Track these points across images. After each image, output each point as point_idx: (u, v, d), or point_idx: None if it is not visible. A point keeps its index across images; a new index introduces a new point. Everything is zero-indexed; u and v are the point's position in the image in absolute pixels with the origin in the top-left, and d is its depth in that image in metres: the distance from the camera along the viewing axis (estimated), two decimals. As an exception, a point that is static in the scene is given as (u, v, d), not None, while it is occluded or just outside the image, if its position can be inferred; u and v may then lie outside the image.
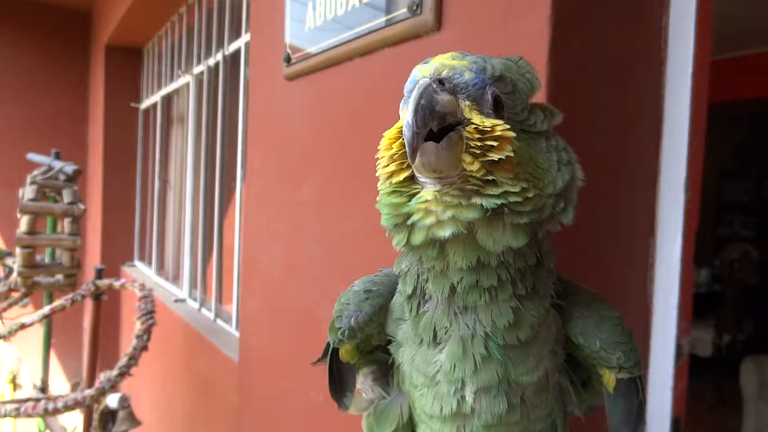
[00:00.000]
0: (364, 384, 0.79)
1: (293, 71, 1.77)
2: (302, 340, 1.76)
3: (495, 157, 0.54)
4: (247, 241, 2.21)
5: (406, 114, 0.53)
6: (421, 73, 0.57)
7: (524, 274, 0.60)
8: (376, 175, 0.61)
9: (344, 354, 0.76)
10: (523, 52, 1.01)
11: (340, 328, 0.71)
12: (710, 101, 1.32)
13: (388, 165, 0.58)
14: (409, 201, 0.56)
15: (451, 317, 0.61)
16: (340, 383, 0.80)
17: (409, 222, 0.57)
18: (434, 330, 0.62)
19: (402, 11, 1.28)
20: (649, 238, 1.19)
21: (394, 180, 0.58)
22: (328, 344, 0.77)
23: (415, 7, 1.23)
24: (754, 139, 7.26)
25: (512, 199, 0.54)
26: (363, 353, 0.78)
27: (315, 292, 1.69)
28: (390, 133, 0.59)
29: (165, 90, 4.44)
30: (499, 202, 0.54)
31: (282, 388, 1.87)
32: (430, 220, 0.55)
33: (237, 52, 3.06)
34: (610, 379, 0.65)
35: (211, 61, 3.42)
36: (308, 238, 1.73)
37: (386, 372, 0.77)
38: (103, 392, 2.16)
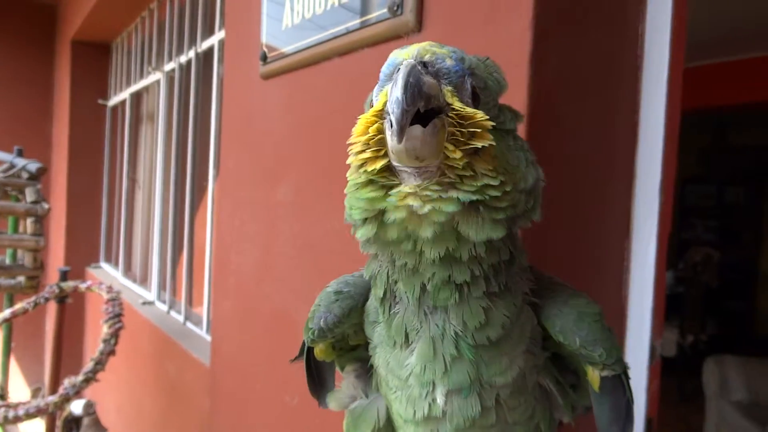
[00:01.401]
0: (346, 380, 0.78)
1: (269, 70, 1.74)
2: (276, 343, 1.73)
3: (478, 144, 0.53)
4: (219, 241, 2.17)
5: (393, 91, 0.50)
6: (402, 56, 0.56)
7: (498, 270, 0.58)
8: (347, 162, 0.57)
9: (319, 353, 0.76)
10: (505, 54, 1.01)
11: (311, 329, 0.71)
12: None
13: (362, 151, 0.55)
14: (386, 195, 0.54)
15: (421, 317, 0.59)
16: (319, 381, 0.80)
17: (386, 220, 0.54)
18: (405, 331, 0.61)
19: (382, 11, 1.27)
20: (624, 241, 1.21)
21: (370, 168, 0.54)
22: (304, 342, 0.77)
23: (395, 8, 1.22)
24: (717, 145, 7.51)
25: (491, 193, 0.53)
26: (343, 351, 0.78)
27: (290, 294, 1.67)
28: (366, 117, 0.56)
29: (134, 87, 4.34)
30: (476, 197, 0.52)
31: (255, 393, 1.83)
32: (406, 216, 0.53)
33: (210, 50, 3.01)
34: (594, 376, 0.64)
35: (183, 59, 3.35)
36: (283, 239, 1.71)
37: (369, 370, 0.76)
38: (67, 399, 2.09)
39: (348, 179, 0.58)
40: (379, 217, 0.55)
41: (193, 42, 3.22)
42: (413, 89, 0.50)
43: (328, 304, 0.70)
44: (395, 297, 0.61)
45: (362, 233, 0.56)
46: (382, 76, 0.58)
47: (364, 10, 1.33)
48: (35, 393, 5.06)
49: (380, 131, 0.54)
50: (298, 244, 1.63)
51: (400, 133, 0.50)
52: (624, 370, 0.64)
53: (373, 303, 0.67)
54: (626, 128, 1.22)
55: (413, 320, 0.60)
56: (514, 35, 1.00)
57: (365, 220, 0.56)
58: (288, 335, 1.66)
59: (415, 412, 0.63)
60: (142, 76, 4.18)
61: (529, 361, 0.63)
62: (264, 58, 1.76)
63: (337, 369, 0.82)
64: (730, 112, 6.62)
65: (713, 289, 6.25)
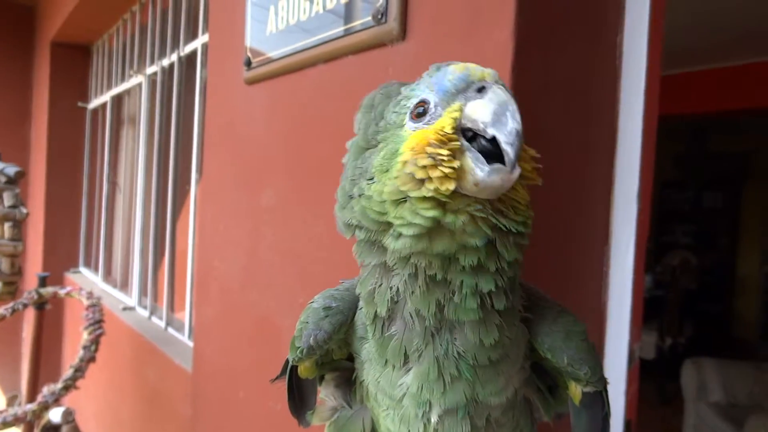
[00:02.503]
0: (326, 390, 0.76)
1: (253, 75, 1.74)
2: (260, 349, 1.72)
3: (537, 182, 0.56)
4: (202, 247, 2.15)
5: (509, 123, 0.50)
6: (478, 74, 0.55)
7: (513, 287, 0.59)
8: (408, 172, 0.53)
9: (303, 371, 0.73)
10: (487, 63, 1.03)
11: (299, 347, 0.68)
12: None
13: (432, 166, 0.52)
14: (444, 211, 0.53)
15: (428, 339, 0.58)
16: (300, 400, 0.77)
17: (443, 227, 0.53)
18: (405, 353, 0.59)
19: (366, 19, 1.28)
20: (603, 246, 1.23)
21: (443, 188, 0.52)
22: (287, 361, 0.74)
23: (379, 16, 1.23)
24: (694, 151, 7.67)
25: (527, 230, 0.56)
26: (325, 364, 0.76)
27: (273, 300, 1.66)
28: (442, 132, 0.53)
29: (115, 90, 4.29)
30: (522, 229, 0.55)
31: (238, 399, 1.82)
32: (460, 230, 0.53)
33: (193, 54, 2.99)
34: (576, 391, 0.65)
35: (166, 62, 3.33)
36: (267, 245, 1.70)
37: (349, 378, 0.74)
38: (46, 407, 2.05)
39: (396, 181, 0.55)
40: (427, 233, 0.54)
41: (175, 45, 3.20)
42: (520, 123, 0.51)
43: (317, 320, 0.67)
44: (392, 317, 0.59)
45: (408, 244, 0.54)
46: (449, 86, 0.56)
47: (349, 17, 1.34)
48: (11, 401, 4.96)
49: (454, 151, 0.52)
50: (282, 250, 1.63)
51: (513, 168, 0.50)
52: (604, 385, 0.65)
53: (360, 318, 0.66)
54: (605, 136, 1.24)
55: (415, 341, 0.58)
56: (496, 44, 1.02)
57: (418, 228, 0.54)
58: (271, 341, 1.65)
59: (409, 431, 0.62)
60: (123, 79, 4.13)
61: (521, 378, 0.64)
62: (248, 63, 1.76)
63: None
64: (707, 119, 6.76)
65: (691, 292, 6.37)
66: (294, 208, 1.59)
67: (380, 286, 0.59)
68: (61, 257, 4.83)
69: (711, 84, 5.42)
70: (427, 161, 0.52)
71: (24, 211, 2.69)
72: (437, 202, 0.53)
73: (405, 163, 0.54)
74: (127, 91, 4.16)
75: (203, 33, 2.81)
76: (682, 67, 5.43)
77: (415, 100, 0.57)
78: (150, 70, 3.55)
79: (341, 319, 0.67)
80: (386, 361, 0.61)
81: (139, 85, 3.74)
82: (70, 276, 4.71)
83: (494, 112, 0.51)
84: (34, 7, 5.33)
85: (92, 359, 2.24)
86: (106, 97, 4.49)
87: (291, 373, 0.74)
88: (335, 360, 0.75)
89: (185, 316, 2.84)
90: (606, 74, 1.24)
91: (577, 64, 1.17)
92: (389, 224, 0.56)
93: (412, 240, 0.54)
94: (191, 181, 2.84)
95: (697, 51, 5.02)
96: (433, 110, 0.55)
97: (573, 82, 1.16)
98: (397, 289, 0.57)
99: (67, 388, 2.12)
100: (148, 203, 3.51)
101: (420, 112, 0.56)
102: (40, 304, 2.76)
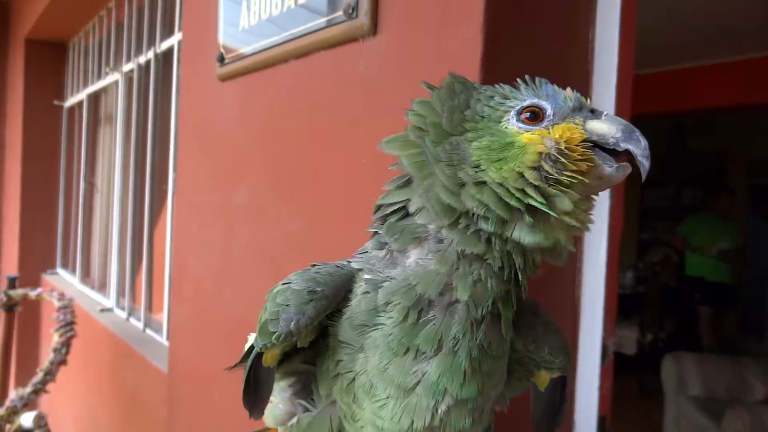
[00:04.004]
0: (281, 396, 0.73)
1: (227, 72, 1.71)
2: (235, 349, 1.69)
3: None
4: (177, 246, 2.12)
5: (642, 141, 0.58)
6: (582, 99, 0.62)
7: None
8: (561, 161, 0.57)
9: (269, 358, 0.69)
10: (457, 57, 1.02)
11: (275, 332, 0.63)
12: (633, 113, 1.38)
13: (574, 160, 0.57)
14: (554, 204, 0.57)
15: (466, 328, 0.58)
16: (255, 390, 0.72)
17: (568, 224, 0.58)
18: (439, 340, 0.58)
19: (338, 14, 1.26)
20: (576, 242, 1.23)
21: (587, 180, 0.57)
22: (251, 347, 0.70)
23: (350, 11, 1.22)
24: (674, 149, 7.77)
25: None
26: (287, 354, 0.71)
27: (248, 298, 1.64)
28: (578, 135, 0.58)
29: (92, 88, 4.21)
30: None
31: (213, 400, 1.79)
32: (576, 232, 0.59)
33: (170, 51, 2.94)
34: (545, 379, 0.68)
35: (142, 59, 3.28)
36: (241, 243, 1.68)
37: (306, 383, 0.71)
38: (14, 411, 2.00)
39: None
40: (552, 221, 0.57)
41: (152, 42, 3.15)
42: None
43: (300, 304, 0.62)
44: (429, 303, 0.59)
45: (534, 238, 0.57)
46: (567, 102, 0.60)
47: (320, 12, 1.32)
48: (-13, 406, 4.85)
49: (587, 149, 0.58)
50: (256, 248, 1.60)
51: (646, 175, 0.59)
52: (569, 371, 0.69)
53: (363, 304, 0.62)
54: (578, 132, 1.24)
55: (454, 329, 0.58)
56: (466, 40, 1.01)
57: (531, 217, 0.57)
58: (246, 341, 1.63)
59: (413, 421, 0.59)
60: (99, 77, 4.06)
61: (506, 371, 0.66)
62: (221, 60, 1.73)
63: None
64: (685, 118, 6.85)
65: (671, 288, 6.44)
66: (268, 205, 1.56)
67: (458, 269, 0.59)
68: (38, 258, 4.74)
69: (689, 82, 5.48)
70: (572, 154, 0.57)
71: (-6, 211, 2.63)
72: (569, 191, 0.57)
73: (540, 153, 0.57)
74: (104, 89, 4.10)
75: (179, 29, 2.77)
76: (661, 66, 5.49)
77: (519, 102, 0.60)
78: (127, 67, 3.49)
79: (326, 305, 0.63)
80: (407, 349, 0.59)
81: (116, 82, 3.68)
82: (47, 277, 4.62)
83: (623, 131, 0.58)
84: (7, 3, 5.22)
85: (63, 362, 2.19)
86: (82, 95, 4.41)
87: (254, 361, 0.69)
88: (288, 358, 0.71)
89: (164, 317, 2.79)
90: (579, 70, 1.23)
91: (549, 59, 1.17)
92: (520, 212, 0.57)
93: (544, 233, 0.57)
94: (169, 180, 2.80)
95: (675, 49, 5.09)
96: (551, 117, 0.59)
97: (544, 77, 1.16)
98: (479, 275, 0.58)
99: (36, 392, 2.07)
100: (125, 203, 3.46)
101: (530, 116, 0.60)
102: (10, 307, 2.69)
